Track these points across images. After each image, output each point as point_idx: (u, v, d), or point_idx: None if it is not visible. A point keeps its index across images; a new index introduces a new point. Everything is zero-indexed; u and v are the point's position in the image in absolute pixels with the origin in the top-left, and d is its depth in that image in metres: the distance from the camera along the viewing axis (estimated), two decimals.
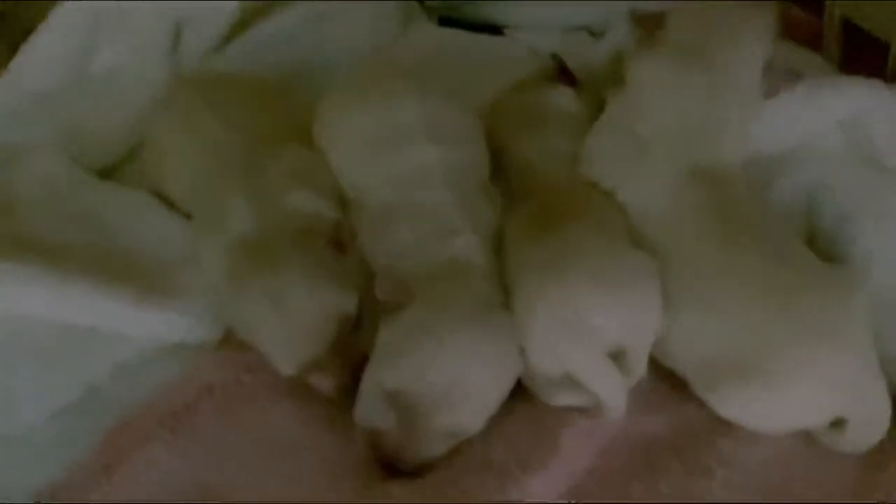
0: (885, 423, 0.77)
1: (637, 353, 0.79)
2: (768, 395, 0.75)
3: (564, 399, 0.78)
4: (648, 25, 0.97)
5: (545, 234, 0.81)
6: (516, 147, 0.93)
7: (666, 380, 0.82)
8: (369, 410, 0.74)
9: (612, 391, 0.77)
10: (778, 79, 0.91)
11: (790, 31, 1.08)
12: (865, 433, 0.77)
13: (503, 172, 0.92)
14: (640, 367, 0.79)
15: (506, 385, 0.77)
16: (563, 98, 0.99)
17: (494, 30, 1.25)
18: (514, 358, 0.77)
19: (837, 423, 0.77)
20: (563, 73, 1.03)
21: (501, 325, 0.77)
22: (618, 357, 0.78)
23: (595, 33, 1.19)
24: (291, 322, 0.77)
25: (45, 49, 1.12)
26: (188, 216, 0.95)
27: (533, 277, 0.78)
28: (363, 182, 0.88)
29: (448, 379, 0.73)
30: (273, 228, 0.82)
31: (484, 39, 1.22)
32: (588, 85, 1.03)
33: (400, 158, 0.86)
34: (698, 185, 0.83)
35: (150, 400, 0.81)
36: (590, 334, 0.76)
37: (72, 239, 0.93)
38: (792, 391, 0.75)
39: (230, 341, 0.85)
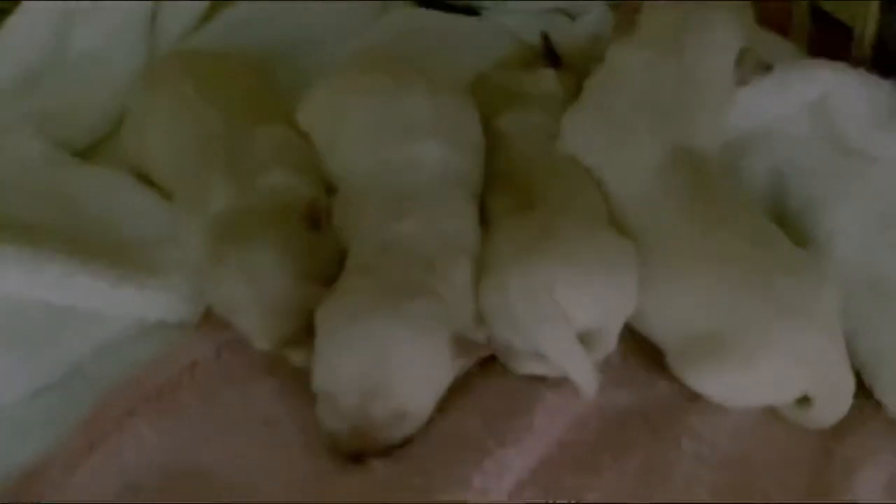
0: (848, 400, 0.80)
1: (608, 334, 0.81)
2: (741, 369, 0.78)
3: (533, 368, 0.80)
4: (623, 10, 0.98)
5: (526, 215, 0.83)
6: (498, 123, 0.94)
7: (637, 355, 0.85)
8: (321, 413, 0.76)
9: (581, 371, 0.78)
10: (749, 70, 0.93)
11: (761, 16, 1.10)
12: (829, 410, 0.80)
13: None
14: (609, 346, 0.81)
15: (435, 364, 0.76)
16: (545, 80, 1.01)
17: (472, 11, 1.26)
18: (434, 340, 0.76)
19: (803, 400, 0.80)
20: (548, 54, 1.04)
21: (415, 311, 0.76)
22: (588, 335, 0.79)
23: (571, 15, 1.21)
24: (264, 296, 0.79)
25: (23, 31, 1.12)
26: (167, 194, 0.96)
27: (510, 256, 0.80)
28: (350, 164, 0.89)
29: (358, 371, 0.74)
30: (250, 205, 0.83)
31: (462, 20, 1.24)
32: (568, 66, 1.05)
33: (399, 149, 0.87)
34: (677, 167, 0.86)
35: (133, 378, 0.82)
36: (561, 314, 0.78)
37: (49, 219, 0.93)
38: (763, 367, 0.78)
39: (210, 319, 0.86)
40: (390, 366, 0.74)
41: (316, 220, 0.83)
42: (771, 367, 0.78)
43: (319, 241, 0.82)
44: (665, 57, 0.90)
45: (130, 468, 0.75)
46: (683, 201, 0.84)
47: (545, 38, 1.06)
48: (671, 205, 0.84)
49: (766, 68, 0.93)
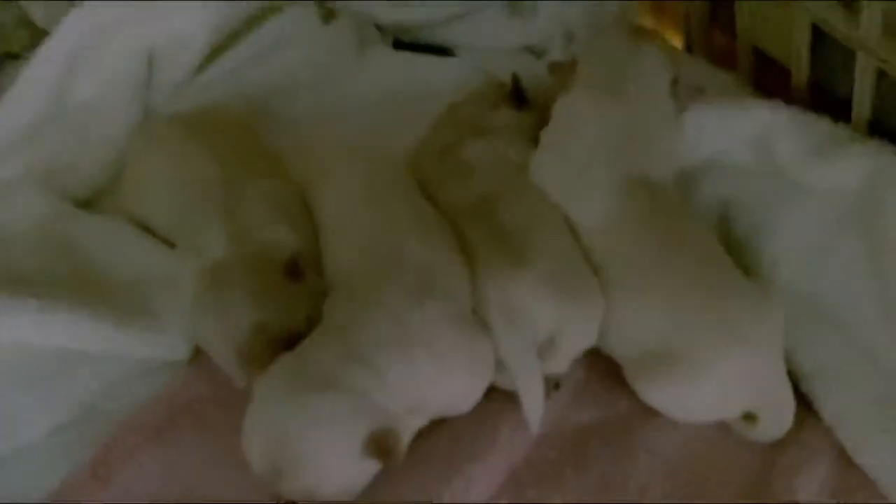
0: (789, 419, 0.86)
1: (566, 354, 0.88)
2: (686, 385, 0.85)
3: (499, 383, 0.87)
4: (558, 68, 1.05)
5: (504, 241, 0.90)
6: (462, 152, 1.01)
7: (599, 374, 0.92)
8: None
9: (532, 392, 0.84)
10: (685, 94, 1.00)
11: (712, 53, 1.18)
12: (772, 426, 0.87)
13: (450, 175, 0.99)
14: (563, 365, 0.88)
15: (339, 460, 0.78)
16: (506, 118, 1.07)
17: (447, 52, 1.34)
18: (337, 437, 0.78)
19: (748, 417, 0.87)
20: (516, 94, 1.09)
21: (324, 407, 0.78)
22: (547, 349, 0.86)
23: (538, 54, 1.29)
24: (234, 339, 0.85)
25: (27, 85, 1.18)
26: (166, 242, 1.03)
27: (487, 273, 0.88)
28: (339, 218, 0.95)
29: (264, 448, 0.78)
30: (238, 255, 0.90)
31: (438, 61, 1.30)
32: (532, 106, 1.10)
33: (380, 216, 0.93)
34: (633, 198, 0.92)
35: (138, 414, 0.88)
36: (527, 327, 0.85)
37: (55, 268, 1.00)
38: (707, 383, 0.84)
39: (207, 356, 0.92)
40: (293, 453, 0.77)
41: (296, 272, 0.89)
42: (714, 384, 0.84)
43: (298, 292, 0.88)
44: (611, 98, 0.96)
45: (138, 497, 0.82)
46: (639, 230, 0.90)
47: (515, 79, 1.11)
48: (628, 233, 0.90)
49: (699, 91, 1.00)
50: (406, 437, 0.81)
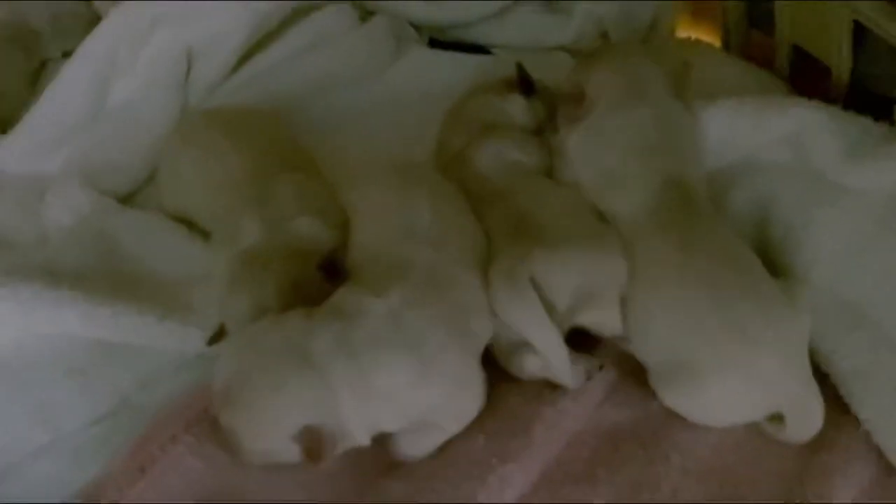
0: (818, 420, 0.85)
1: (602, 313, 0.88)
2: (706, 391, 0.84)
3: (529, 366, 0.87)
4: (566, 98, 1.03)
5: (520, 238, 0.90)
6: (470, 151, 1.01)
7: (631, 375, 0.91)
8: None
9: (558, 358, 0.85)
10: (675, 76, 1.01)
11: (749, 51, 1.17)
12: (801, 428, 0.86)
13: (460, 174, 1.00)
14: (614, 325, 0.88)
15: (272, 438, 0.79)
16: (514, 106, 1.07)
17: (483, 50, 1.34)
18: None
19: (777, 418, 0.86)
20: (522, 82, 1.09)
21: (282, 378, 0.79)
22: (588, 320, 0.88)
23: (573, 53, 1.28)
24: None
25: (69, 84, 1.21)
26: (205, 235, 1.05)
27: (503, 259, 0.88)
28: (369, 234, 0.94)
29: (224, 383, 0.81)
30: (273, 245, 0.91)
31: (473, 60, 1.30)
32: (541, 95, 1.10)
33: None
34: (667, 198, 0.92)
35: (175, 406, 0.89)
36: (535, 298, 0.85)
37: (98, 262, 1.02)
38: (726, 389, 0.84)
39: None
40: (241, 397, 0.80)
41: (332, 271, 0.90)
42: (734, 389, 0.83)
43: (326, 288, 0.88)
44: (634, 109, 0.97)
45: (175, 491, 0.83)
46: (669, 230, 0.90)
47: (520, 68, 1.11)
48: (658, 233, 0.90)
49: (687, 66, 1.01)
50: (342, 447, 0.81)
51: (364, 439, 0.81)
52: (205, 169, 1.04)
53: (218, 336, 0.89)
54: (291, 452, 0.80)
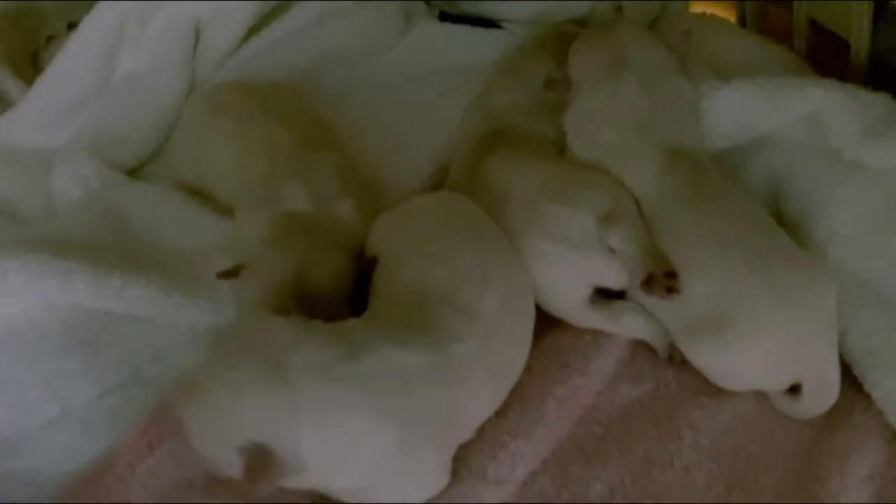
0: (835, 391, 0.86)
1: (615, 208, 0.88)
2: (736, 350, 0.84)
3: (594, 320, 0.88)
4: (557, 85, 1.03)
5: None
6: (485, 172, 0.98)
7: (645, 352, 0.91)
8: None
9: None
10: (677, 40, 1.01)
11: (766, 26, 1.15)
12: (818, 399, 0.86)
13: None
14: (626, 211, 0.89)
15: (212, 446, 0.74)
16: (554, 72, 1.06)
17: (493, 24, 1.33)
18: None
19: (794, 390, 0.86)
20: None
21: (245, 374, 0.73)
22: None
23: (586, 26, 1.27)
24: (280, 284, 0.86)
25: (74, 58, 1.21)
26: (215, 208, 1.04)
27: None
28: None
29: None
30: (323, 220, 0.92)
31: (483, 34, 1.29)
32: None
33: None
34: (676, 167, 0.91)
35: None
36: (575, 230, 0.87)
37: (106, 235, 1.02)
38: (756, 348, 0.84)
39: None
40: (208, 383, 0.73)
41: (367, 265, 0.89)
42: (763, 349, 0.84)
43: (351, 276, 0.89)
44: (618, 81, 0.96)
45: (185, 466, 0.83)
46: (685, 196, 0.90)
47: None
48: (674, 200, 0.90)
49: (686, 34, 1.00)
50: (288, 478, 0.72)
51: (312, 481, 0.74)
52: (237, 138, 1.03)
53: (232, 272, 0.89)
54: (233, 466, 0.72)
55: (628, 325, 0.90)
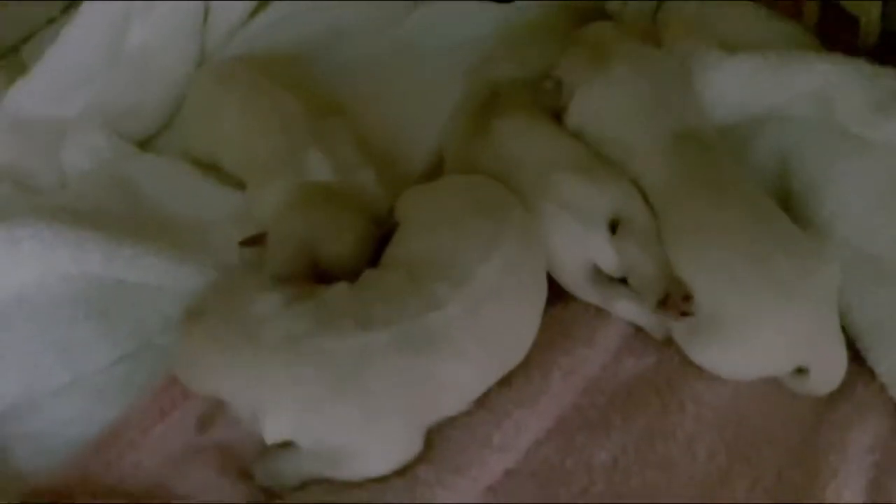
0: (841, 373, 0.86)
1: (634, 214, 0.90)
2: (737, 344, 0.85)
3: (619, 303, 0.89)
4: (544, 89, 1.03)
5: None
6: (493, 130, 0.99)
7: None
8: None
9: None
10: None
11: (775, 2, 1.15)
12: (824, 381, 0.86)
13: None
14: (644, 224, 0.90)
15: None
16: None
17: None
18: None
19: (799, 370, 0.86)
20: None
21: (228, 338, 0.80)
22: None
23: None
24: (296, 249, 0.89)
25: (84, 28, 1.21)
26: (225, 179, 1.05)
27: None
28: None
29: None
30: (345, 187, 0.94)
31: (491, 7, 1.29)
32: None
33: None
34: (682, 152, 0.92)
35: None
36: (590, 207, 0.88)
37: (118, 205, 1.03)
38: (758, 341, 0.84)
39: None
40: (183, 341, 0.84)
41: (386, 234, 0.90)
42: (765, 341, 0.84)
43: (371, 244, 0.90)
44: (609, 72, 0.97)
45: (193, 432, 0.85)
46: (690, 183, 0.90)
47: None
48: (678, 189, 0.90)
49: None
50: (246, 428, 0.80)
51: (274, 436, 0.78)
52: (249, 110, 1.04)
53: (254, 240, 0.90)
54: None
55: (624, 310, 0.90)
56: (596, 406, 0.87)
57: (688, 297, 0.85)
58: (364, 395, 0.77)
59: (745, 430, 0.85)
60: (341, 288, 0.83)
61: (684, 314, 0.85)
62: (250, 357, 0.78)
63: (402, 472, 0.79)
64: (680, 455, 0.83)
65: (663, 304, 0.86)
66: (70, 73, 1.19)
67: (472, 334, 0.81)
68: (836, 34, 1.06)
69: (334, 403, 0.77)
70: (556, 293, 0.91)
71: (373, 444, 0.79)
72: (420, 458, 0.80)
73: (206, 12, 1.24)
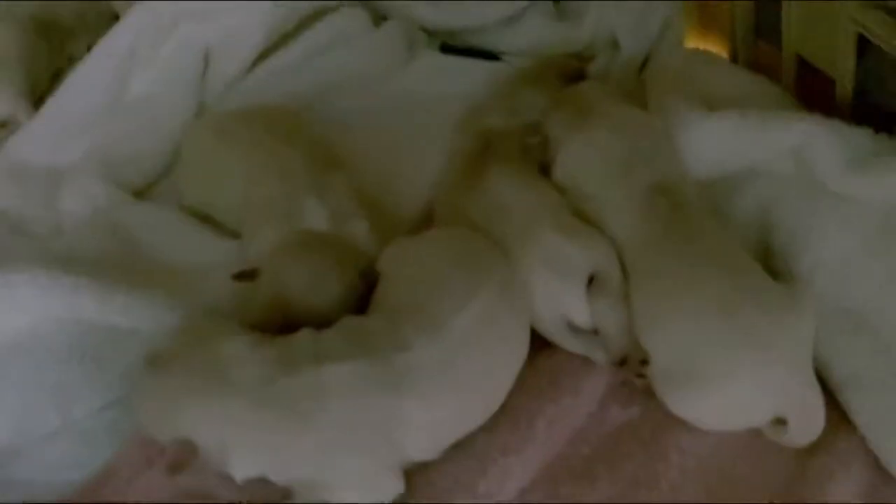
0: (820, 423, 0.87)
1: (609, 274, 0.91)
2: (709, 398, 0.86)
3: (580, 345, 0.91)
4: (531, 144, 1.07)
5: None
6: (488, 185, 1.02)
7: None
8: None
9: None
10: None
11: (757, 62, 1.19)
12: (803, 431, 0.87)
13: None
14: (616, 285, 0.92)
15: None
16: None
17: (492, 56, 1.37)
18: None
19: (779, 421, 0.87)
20: (579, 78, 1.16)
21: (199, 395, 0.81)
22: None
23: (583, 58, 1.31)
24: (279, 295, 0.90)
25: (87, 78, 1.25)
26: (217, 229, 1.08)
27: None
28: None
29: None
30: (338, 236, 0.96)
31: (484, 65, 1.34)
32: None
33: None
34: (654, 209, 0.94)
35: None
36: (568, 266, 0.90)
37: (112, 252, 1.05)
38: (729, 395, 0.85)
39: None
40: (145, 381, 0.85)
41: (370, 283, 0.92)
42: (739, 395, 0.85)
43: (354, 296, 0.92)
44: (589, 129, 1.01)
45: (181, 483, 0.83)
46: (661, 239, 0.92)
47: (583, 63, 1.19)
48: (657, 247, 0.92)
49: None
50: (215, 471, 0.81)
51: (243, 474, 0.80)
52: (249, 161, 1.06)
53: (247, 274, 0.92)
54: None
55: (603, 361, 0.92)
56: (581, 456, 0.88)
57: (645, 362, 0.89)
58: (320, 430, 0.79)
59: (728, 480, 0.86)
60: (307, 332, 0.85)
61: (640, 376, 0.89)
62: (216, 401, 0.80)
63: None
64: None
65: (622, 363, 0.90)
66: (71, 121, 1.22)
67: (443, 381, 0.82)
68: (813, 94, 1.09)
69: (291, 442, 0.79)
70: (543, 342, 0.93)
71: (338, 479, 0.80)
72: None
73: (206, 65, 1.27)
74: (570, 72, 1.17)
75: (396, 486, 0.82)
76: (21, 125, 1.27)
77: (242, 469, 0.80)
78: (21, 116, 1.28)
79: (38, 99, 1.30)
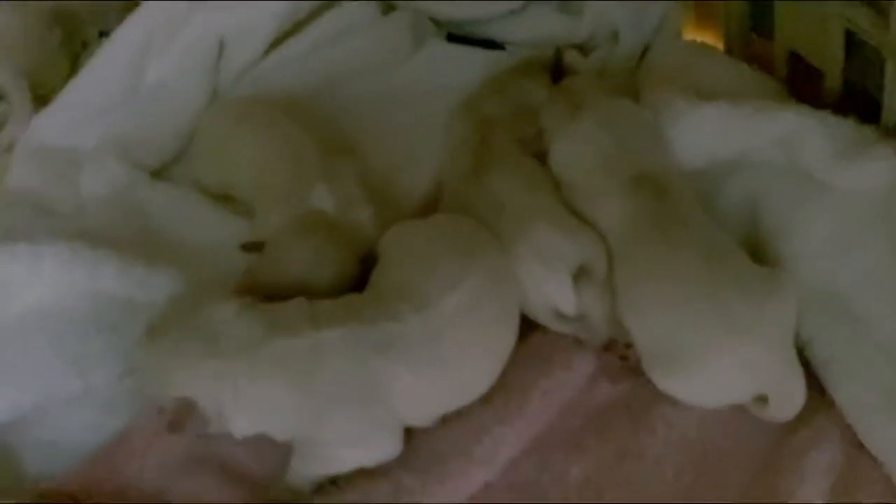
0: (800, 401, 0.91)
1: (596, 266, 0.95)
2: (694, 376, 0.89)
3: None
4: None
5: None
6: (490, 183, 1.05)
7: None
8: None
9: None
10: None
11: (750, 56, 1.22)
12: (784, 408, 0.91)
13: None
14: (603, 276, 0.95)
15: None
16: (540, 93, 1.15)
17: (498, 45, 1.40)
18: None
19: (761, 398, 0.91)
20: (556, 66, 1.19)
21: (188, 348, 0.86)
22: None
23: (584, 51, 1.34)
24: (276, 272, 0.95)
25: (105, 65, 1.28)
26: (232, 208, 1.12)
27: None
28: None
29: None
30: (342, 219, 1.00)
31: (489, 55, 1.36)
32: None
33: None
34: (639, 193, 0.97)
35: None
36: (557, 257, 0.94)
37: (131, 229, 1.10)
38: (713, 374, 0.89)
39: None
40: (148, 349, 0.90)
41: (367, 266, 0.96)
42: (720, 375, 0.88)
43: (352, 280, 0.96)
44: (578, 120, 1.04)
45: (195, 444, 0.90)
46: (646, 226, 0.95)
47: (558, 53, 1.21)
48: (635, 232, 0.95)
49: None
50: (216, 427, 0.86)
51: (241, 432, 0.85)
52: (265, 142, 1.10)
53: (255, 245, 0.97)
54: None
55: (590, 344, 0.96)
56: (571, 427, 0.92)
57: (629, 345, 0.94)
58: (317, 389, 0.84)
59: (711, 453, 0.90)
60: (301, 299, 0.90)
61: (624, 358, 0.94)
62: (210, 363, 0.84)
63: (389, 478, 0.85)
64: (648, 473, 0.88)
65: (607, 348, 0.95)
66: (89, 106, 1.25)
67: (429, 356, 0.87)
68: (803, 86, 1.13)
69: (289, 400, 0.84)
70: (537, 323, 0.97)
71: (336, 436, 0.85)
72: (406, 467, 0.86)
73: (220, 52, 1.30)
74: (548, 63, 1.21)
75: (394, 446, 0.87)
76: (14, 103, 1.30)
77: (241, 427, 0.85)
78: (16, 95, 1.31)
79: (56, 82, 1.33)
